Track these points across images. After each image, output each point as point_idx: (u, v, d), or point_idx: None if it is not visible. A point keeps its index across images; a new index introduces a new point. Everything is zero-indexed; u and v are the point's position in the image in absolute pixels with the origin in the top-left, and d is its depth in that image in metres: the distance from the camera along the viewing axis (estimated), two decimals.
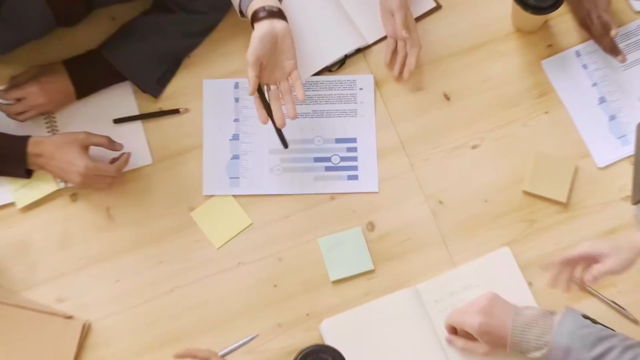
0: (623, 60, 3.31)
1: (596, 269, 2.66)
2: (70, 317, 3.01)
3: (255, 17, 3.00)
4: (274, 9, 3.00)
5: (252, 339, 2.77)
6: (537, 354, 2.79)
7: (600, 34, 3.31)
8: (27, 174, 3.13)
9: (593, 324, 2.81)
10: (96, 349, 3.01)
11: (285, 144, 3.18)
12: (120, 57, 3.27)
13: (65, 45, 3.35)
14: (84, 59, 3.30)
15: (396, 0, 3.22)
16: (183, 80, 3.39)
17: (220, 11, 3.40)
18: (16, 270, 3.11)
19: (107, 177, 3.09)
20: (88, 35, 3.36)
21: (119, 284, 3.10)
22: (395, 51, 3.33)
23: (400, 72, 3.29)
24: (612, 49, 3.32)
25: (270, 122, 3.05)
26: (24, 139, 3.05)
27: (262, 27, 2.98)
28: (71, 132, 3.14)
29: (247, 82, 2.97)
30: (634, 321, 3.03)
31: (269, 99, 3.06)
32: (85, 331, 3.01)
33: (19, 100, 3.21)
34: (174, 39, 3.35)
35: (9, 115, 3.23)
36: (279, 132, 3.14)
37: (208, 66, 3.41)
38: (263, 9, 2.99)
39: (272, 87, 3.08)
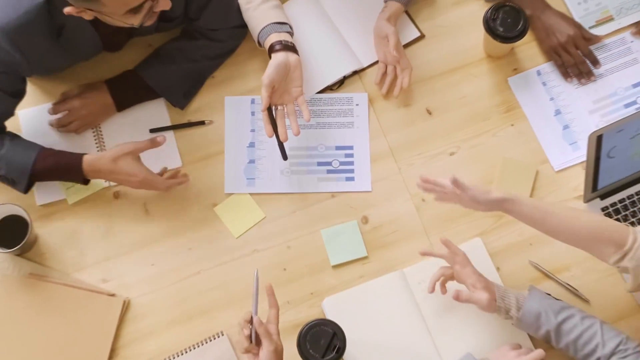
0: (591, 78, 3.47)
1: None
2: (113, 295, 3.13)
3: (272, 49, 3.17)
4: (289, 44, 3.17)
5: (257, 277, 2.81)
6: (514, 313, 2.89)
7: (572, 63, 3.47)
8: (86, 182, 3.20)
9: (554, 299, 2.95)
10: (134, 321, 3.12)
11: (284, 157, 3.29)
12: (153, 76, 3.37)
13: (107, 66, 3.44)
14: (122, 78, 3.40)
15: (390, 27, 3.35)
16: (208, 96, 3.47)
17: (237, 39, 3.52)
18: (67, 255, 3.20)
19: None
20: (128, 58, 3.45)
21: (154, 267, 3.21)
22: (384, 74, 3.41)
23: (389, 91, 3.38)
24: (585, 74, 3.48)
25: (274, 136, 3.20)
26: (79, 159, 3.11)
27: (279, 57, 3.15)
28: (119, 146, 3.18)
29: (261, 100, 3.13)
30: (585, 300, 3.14)
31: (275, 117, 3.21)
32: (125, 307, 3.13)
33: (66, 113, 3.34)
34: (197, 61, 3.44)
35: (58, 127, 3.36)
36: (280, 145, 3.26)
37: (229, 85, 3.50)
38: (279, 42, 3.16)
39: (279, 107, 3.22)
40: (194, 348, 3.07)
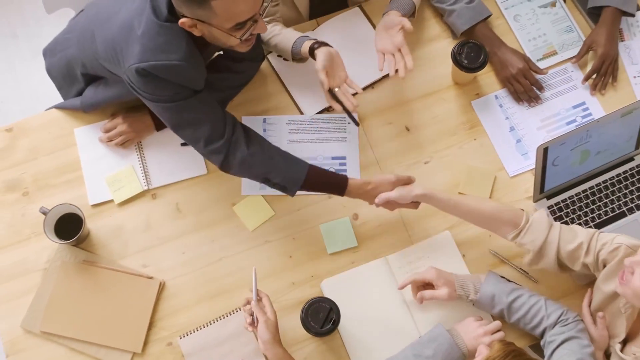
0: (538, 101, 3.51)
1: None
2: (151, 278, 3.15)
3: (312, 48, 3.24)
4: (323, 42, 3.24)
5: (255, 273, 2.92)
6: (473, 296, 2.97)
7: (522, 90, 3.49)
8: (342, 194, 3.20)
9: (508, 281, 2.99)
10: (168, 300, 3.14)
11: (356, 123, 3.46)
12: None
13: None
14: None
15: (401, 18, 3.33)
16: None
17: (253, 70, 3.49)
18: (114, 245, 3.22)
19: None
20: None
21: (184, 255, 3.22)
22: (384, 61, 3.37)
23: (396, 72, 3.31)
24: (533, 99, 3.51)
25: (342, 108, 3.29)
26: (345, 181, 3.15)
27: (323, 50, 3.21)
28: (382, 176, 3.22)
29: (321, 85, 3.23)
30: (535, 281, 3.16)
31: (337, 96, 3.30)
32: (161, 288, 3.15)
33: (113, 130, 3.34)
34: (222, 91, 3.39)
35: (107, 142, 3.38)
36: (350, 115, 3.34)
37: (245, 107, 3.49)
38: (317, 41, 3.24)
39: (336, 88, 3.28)
40: (216, 321, 3.10)
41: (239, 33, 2.78)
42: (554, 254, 2.87)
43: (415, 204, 3.16)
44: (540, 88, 3.50)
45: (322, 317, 2.92)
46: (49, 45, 3.55)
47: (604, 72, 3.52)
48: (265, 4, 2.80)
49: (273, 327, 2.85)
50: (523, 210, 2.97)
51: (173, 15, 2.80)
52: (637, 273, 2.51)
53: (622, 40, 3.62)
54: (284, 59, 3.53)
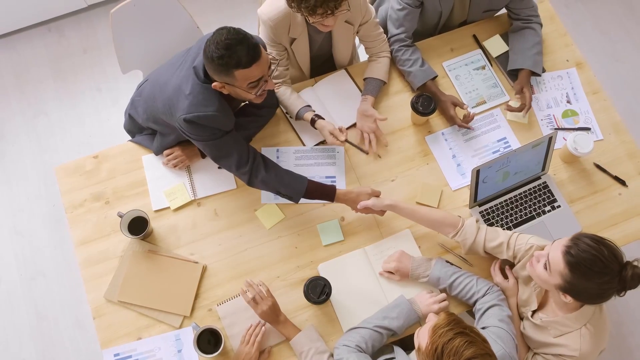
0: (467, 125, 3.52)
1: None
2: (196, 262, 3.18)
3: (313, 120, 3.40)
4: (319, 116, 3.40)
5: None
6: (424, 279, 3.01)
7: (461, 124, 3.48)
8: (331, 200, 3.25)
9: (451, 265, 3.02)
10: (209, 278, 3.16)
11: (365, 152, 3.53)
12: None
13: None
14: None
15: (374, 110, 3.45)
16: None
17: (270, 114, 3.52)
18: (170, 239, 3.25)
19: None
20: None
21: (220, 246, 3.24)
22: (362, 137, 3.48)
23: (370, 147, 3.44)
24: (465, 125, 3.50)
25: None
26: (334, 190, 3.20)
27: (322, 122, 3.41)
28: (359, 189, 3.26)
29: (331, 136, 3.35)
30: (470, 264, 3.18)
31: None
32: (204, 270, 3.19)
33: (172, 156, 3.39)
34: (249, 129, 3.44)
35: (166, 164, 3.42)
36: (357, 147, 3.52)
37: (264, 140, 3.50)
38: (316, 115, 3.42)
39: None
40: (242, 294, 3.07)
41: (254, 90, 2.85)
42: (481, 248, 2.98)
43: (382, 211, 3.24)
44: (471, 121, 3.53)
45: (318, 291, 2.97)
46: (127, 106, 3.61)
47: (529, 104, 3.53)
48: (272, 68, 2.89)
49: (268, 314, 2.96)
50: (460, 217, 3.04)
51: (208, 78, 2.89)
52: (540, 263, 2.61)
53: (533, 93, 3.63)
54: (290, 116, 3.57)
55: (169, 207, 3.36)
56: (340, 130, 3.33)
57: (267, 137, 3.56)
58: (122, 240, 3.27)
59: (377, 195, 3.23)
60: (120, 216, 3.16)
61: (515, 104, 3.59)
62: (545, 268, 2.56)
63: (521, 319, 3.00)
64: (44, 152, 4.97)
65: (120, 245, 3.26)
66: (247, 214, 3.35)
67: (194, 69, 2.91)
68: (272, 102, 3.48)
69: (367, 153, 3.49)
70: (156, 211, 3.35)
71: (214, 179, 3.44)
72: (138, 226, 3.20)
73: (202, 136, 3.00)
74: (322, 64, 3.93)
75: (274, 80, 3.53)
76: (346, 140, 3.35)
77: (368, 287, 3.16)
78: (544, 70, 3.70)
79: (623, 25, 5.53)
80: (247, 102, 3.41)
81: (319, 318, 3.13)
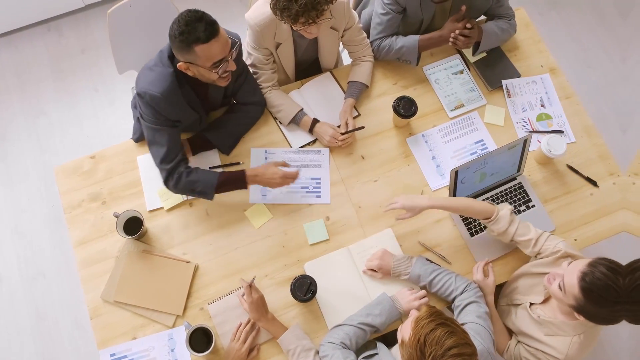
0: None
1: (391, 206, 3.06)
2: (188, 262, 3.15)
3: (313, 123, 3.46)
4: (314, 119, 3.44)
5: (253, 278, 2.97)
6: (405, 277, 3.00)
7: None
8: (246, 186, 3.21)
9: (431, 263, 3.01)
10: (201, 277, 3.14)
11: (360, 127, 3.47)
12: (213, 136, 3.38)
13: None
14: (196, 136, 3.43)
15: (350, 114, 3.47)
16: (241, 148, 3.47)
17: (259, 113, 3.51)
18: (164, 239, 3.22)
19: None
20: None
21: (211, 246, 3.21)
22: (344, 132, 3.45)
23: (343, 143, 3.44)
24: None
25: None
26: (243, 173, 3.17)
27: (322, 122, 3.48)
28: (269, 162, 3.27)
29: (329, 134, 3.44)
30: (449, 262, 3.16)
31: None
32: (196, 269, 3.16)
33: None
34: (236, 127, 3.43)
35: None
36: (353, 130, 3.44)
37: (253, 141, 3.48)
38: (315, 120, 3.45)
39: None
40: (232, 293, 3.11)
41: (217, 69, 2.84)
42: (509, 239, 3.00)
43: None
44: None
45: (304, 289, 2.94)
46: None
47: (468, 35, 3.54)
48: (232, 50, 2.88)
49: (258, 305, 2.96)
50: (495, 206, 3.01)
51: (172, 62, 2.92)
52: (555, 282, 2.58)
53: (509, 97, 3.63)
54: (281, 123, 3.58)
55: (162, 208, 3.34)
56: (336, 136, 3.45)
57: (256, 138, 3.53)
58: (118, 240, 3.24)
59: (283, 165, 3.28)
60: (116, 216, 3.14)
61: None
62: (560, 288, 2.55)
63: (515, 305, 3.02)
64: (44, 153, 4.94)
65: (116, 245, 3.23)
66: (237, 214, 3.32)
67: (161, 51, 2.95)
68: (257, 99, 3.49)
69: (362, 127, 3.48)
70: (150, 211, 3.32)
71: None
72: (133, 226, 3.19)
73: (145, 115, 3.00)
74: (308, 67, 3.91)
75: (262, 85, 3.54)
76: (345, 132, 3.43)
77: (352, 285, 3.14)
78: (519, 75, 3.70)
79: (594, 33, 5.57)
80: (234, 99, 3.48)
81: (305, 316, 3.10)
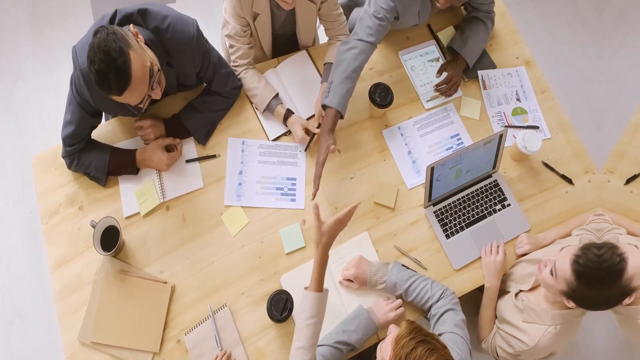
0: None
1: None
2: (165, 282, 3.06)
3: (287, 115, 3.38)
4: (289, 111, 3.36)
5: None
6: (381, 286, 2.96)
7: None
8: (137, 171, 3.23)
9: (407, 269, 2.97)
10: (177, 301, 3.06)
11: (307, 146, 3.42)
12: (189, 121, 3.30)
13: (162, 108, 3.42)
14: (173, 119, 3.34)
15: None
16: (218, 137, 3.41)
17: (235, 96, 3.44)
18: (140, 254, 3.13)
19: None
20: (175, 105, 3.42)
21: (188, 260, 3.13)
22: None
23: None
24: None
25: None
26: (133, 153, 3.16)
27: (294, 116, 3.41)
28: (153, 142, 3.23)
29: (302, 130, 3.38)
30: (424, 268, 3.13)
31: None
32: (172, 290, 3.07)
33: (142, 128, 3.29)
34: (214, 112, 3.36)
35: (137, 127, 3.33)
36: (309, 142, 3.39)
37: (230, 128, 3.42)
38: (289, 111, 3.36)
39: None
40: (207, 320, 3.03)
41: (141, 105, 2.70)
42: None
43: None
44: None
45: (281, 306, 2.89)
46: None
47: (448, 87, 3.56)
48: (152, 80, 2.65)
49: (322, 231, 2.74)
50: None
51: None
52: (547, 268, 2.59)
53: (484, 89, 3.57)
54: (256, 107, 3.48)
55: (138, 213, 3.25)
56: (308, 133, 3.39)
57: (233, 125, 3.46)
58: (95, 258, 3.13)
59: (171, 143, 3.28)
60: (93, 226, 3.05)
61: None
62: (552, 274, 2.54)
63: (506, 291, 3.06)
64: (22, 135, 4.85)
65: (93, 265, 3.13)
66: (214, 220, 3.24)
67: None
68: (233, 84, 3.41)
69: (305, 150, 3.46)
70: (127, 218, 3.24)
71: (182, 176, 3.34)
72: (110, 238, 3.09)
73: (71, 80, 2.89)
74: (285, 43, 3.80)
75: (237, 61, 3.46)
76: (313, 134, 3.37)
77: (328, 299, 3.00)
78: (495, 67, 3.63)
79: (570, 27, 5.60)
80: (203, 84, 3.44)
81: (282, 338, 3.04)
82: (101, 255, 3.07)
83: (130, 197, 3.28)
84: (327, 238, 2.66)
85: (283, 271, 3.16)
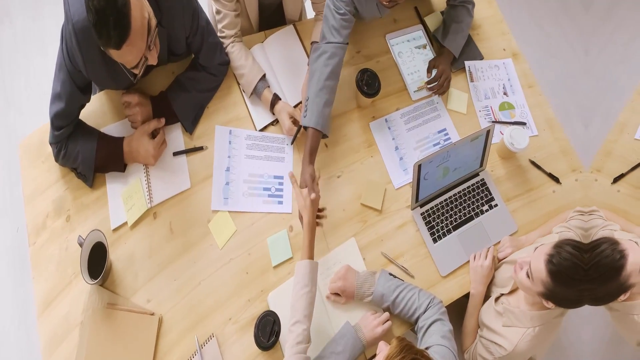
0: None
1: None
2: (152, 314, 2.99)
3: (274, 101, 3.32)
4: (277, 97, 3.31)
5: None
6: (368, 299, 2.95)
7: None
8: (124, 168, 3.18)
9: (394, 278, 2.96)
10: (165, 336, 2.98)
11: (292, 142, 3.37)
12: (175, 101, 3.24)
13: (151, 83, 3.36)
14: (159, 98, 3.27)
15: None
16: (207, 126, 3.35)
17: (222, 74, 3.38)
18: (127, 279, 3.06)
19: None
20: (162, 79, 3.37)
21: (176, 282, 3.06)
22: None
23: None
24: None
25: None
26: (120, 143, 3.11)
27: (281, 103, 3.32)
28: (139, 129, 3.18)
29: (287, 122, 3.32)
30: (412, 276, 3.12)
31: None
32: (160, 322, 2.99)
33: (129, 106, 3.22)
34: (201, 92, 3.29)
35: (125, 103, 3.25)
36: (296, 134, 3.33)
37: (217, 114, 3.36)
38: (276, 97, 3.29)
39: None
40: (197, 353, 2.97)
41: (136, 70, 2.62)
42: None
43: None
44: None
45: (268, 330, 2.88)
46: None
47: (440, 84, 3.47)
48: (149, 40, 2.56)
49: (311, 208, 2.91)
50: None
51: None
52: (523, 271, 2.59)
53: (472, 81, 3.49)
54: (243, 90, 3.42)
55: (126, 224, 3.18)
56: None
57: (220, 110, 3.40)
58: (82, 290, 3.04)
59: (157, 126, 3.23)
60: (80, 244, 2.99)
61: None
62: (528, 276, 2.54)
63: (489, 297, 3.07)
64: (9, 107, 4.74)
65: (80, 298, 3.02)
66: (201, 229, 3.19)
67: None
68: (221, 59, 3.34)
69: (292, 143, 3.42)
70: (114, 230, 3.17)
71: (169, 175, 3.28)
72: (98, 257, 3.01)
73: (61, 36, 2.71)
74: (272, 14, 3.70)
75: (224, 31, 3.38)
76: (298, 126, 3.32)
77: (315, 317, 3.01)
78: (482, 58, 3.53)
79: (558, 21, 5.57)
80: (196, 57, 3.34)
81: None
82: (89, 284, 2.99)
83: (117, 200, 3.22)
84: (312, 201, 2.89)
85: (270, 288, 3.13)
